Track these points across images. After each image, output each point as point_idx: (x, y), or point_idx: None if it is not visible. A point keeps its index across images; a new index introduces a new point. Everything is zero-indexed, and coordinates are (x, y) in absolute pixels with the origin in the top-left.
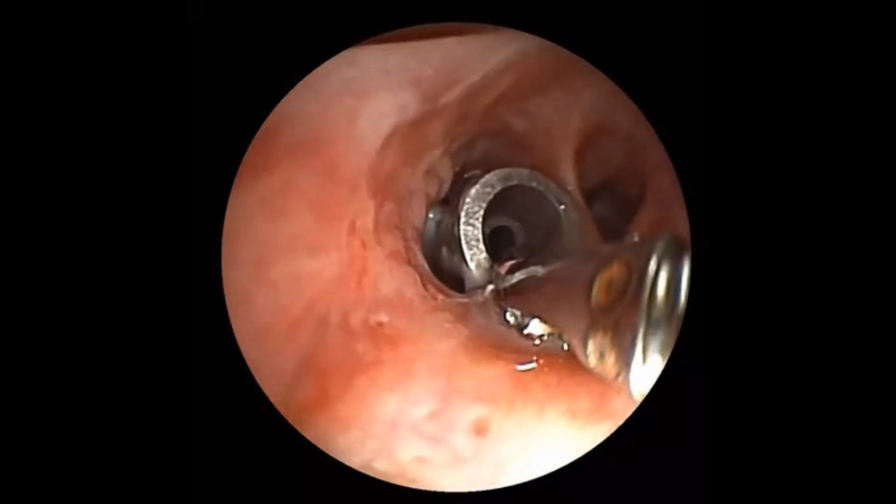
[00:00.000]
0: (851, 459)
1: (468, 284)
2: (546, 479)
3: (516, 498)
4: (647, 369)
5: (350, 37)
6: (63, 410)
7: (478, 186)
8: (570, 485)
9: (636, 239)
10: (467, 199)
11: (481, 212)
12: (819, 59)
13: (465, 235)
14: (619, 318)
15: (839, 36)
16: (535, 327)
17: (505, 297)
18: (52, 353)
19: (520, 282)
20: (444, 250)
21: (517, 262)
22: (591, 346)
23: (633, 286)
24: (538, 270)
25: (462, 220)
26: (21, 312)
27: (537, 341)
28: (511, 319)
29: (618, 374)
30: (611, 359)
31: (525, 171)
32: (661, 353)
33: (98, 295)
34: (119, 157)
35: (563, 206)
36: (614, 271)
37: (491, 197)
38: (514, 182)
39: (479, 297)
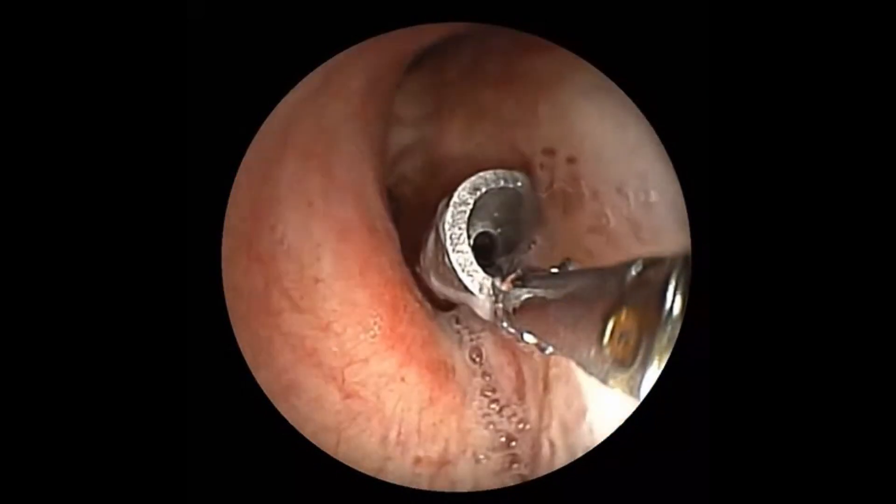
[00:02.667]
0: (852, 460)
1: (477, 309)
2: (546, 478)
3: (516, 498)
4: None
5: (351, 37)
6: (61, 411)
7: (451, 209)
8: (569, 485)
9: (640, 268)
10: (446, 227)
11: (464, 234)
12: (820, 59)
13: (460, 265)
14: (634, 373)
15: (839, 36)
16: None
17: (515, 316)
18: (50, 353)
19: (527, 301)
20: (434, 279)
21: (517, 276)
22: (612, 384)
23: (647, 343)
24: (544, 294)
25: (449, 249)
26: (19, 312)
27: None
28: (529, 340)
29: (631, 393)
30: (627, 387)
31: (489, 174)
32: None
33: (97, 295)
34: (119, 157)
35: (520, 184)
36: (623, 322)
37: (468, 215)
38: (483, 190)
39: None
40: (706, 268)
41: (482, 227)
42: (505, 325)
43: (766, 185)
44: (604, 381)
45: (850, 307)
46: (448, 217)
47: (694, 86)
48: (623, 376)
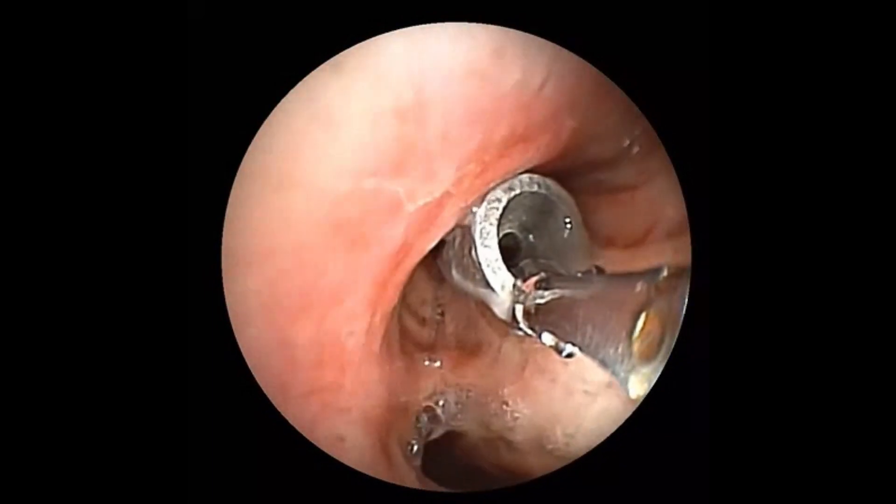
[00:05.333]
0: (852, 460)
1: (495, 307)
2: (546, 478)
3: (516, 498)
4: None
5: (352, 37)
6: (61, 412)
7: (484, 204)
8: (570, 485)
9: (664, 273)
10: (477, 220)
11: (494, 230)
12: (820, 59)
13: (486, 260)
14: (657, 367)
15: (840, 36)
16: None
17: (535, 316)
18: (51, 354)
19: (548, 302)
20: (455, 272)
21: (540, 278)
22: (632, 383)
23: (669, 340)
24: (568, 294)
25: (478, 243)
26: (20, 312)
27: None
28: (548, 341)
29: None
30: (648, 381)
31: (525, 178)
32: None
33: (97, 295)
34: (119, 157)
35: (556, 199)
36: (650, 324)
37: (500, 212)
38: (518, 191)
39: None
40: (706, 268)
41: (509, 228)
42: (522, 325)
43: (766, 185)
44: (625, 379)
45: (850, 306)
46: (481, 211)
47: (694, 86)
48: (646, 371)
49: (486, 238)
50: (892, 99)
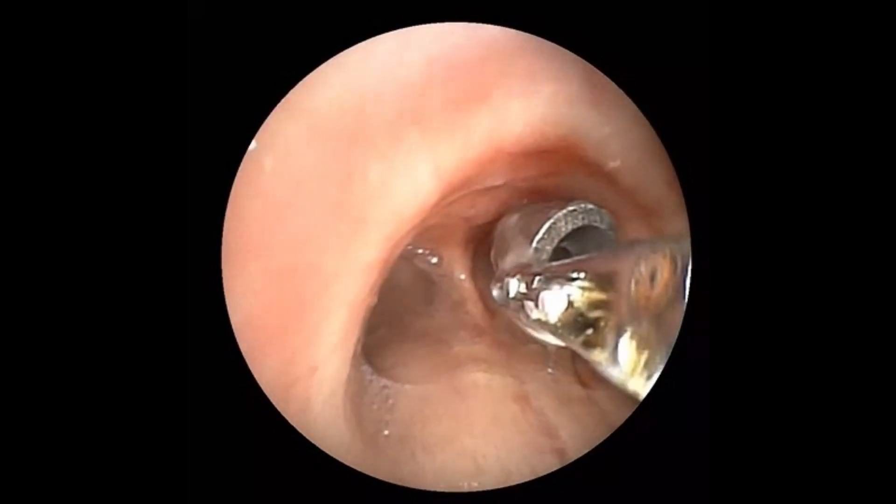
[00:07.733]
0: (853, 460)
1: (513, 255)
2: (545, 478)
3: (516, 498)
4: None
5: (352, 37)
6: (61, 412)
7: (590, 205)
8: (569, 485)
9: (647, 266)
10: (581, 205)
11: (580, 222)
12: (820, 59)
13: (552, 226)
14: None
15: (839, 36)
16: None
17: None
18: (50, 354)
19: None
20: (516, 220)
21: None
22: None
23: (679, 276)
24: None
25: (564, 211)
26: (20, 312)
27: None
28: (514, 288)
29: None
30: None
31: (607, 217)
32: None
33: (98, 294)
34: (119, 157)
35: (611, 234)
36: (640, 333)
37: (590, 213)
38: (597, 223)
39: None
40: (706, 267)
41: (566, 244)
42: (518, 280)
43: (767, 183)
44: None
45: (851, 307)
46: (585, 205)
47: (694, 85)
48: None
49: (570, 217)
50: (892, 99)
